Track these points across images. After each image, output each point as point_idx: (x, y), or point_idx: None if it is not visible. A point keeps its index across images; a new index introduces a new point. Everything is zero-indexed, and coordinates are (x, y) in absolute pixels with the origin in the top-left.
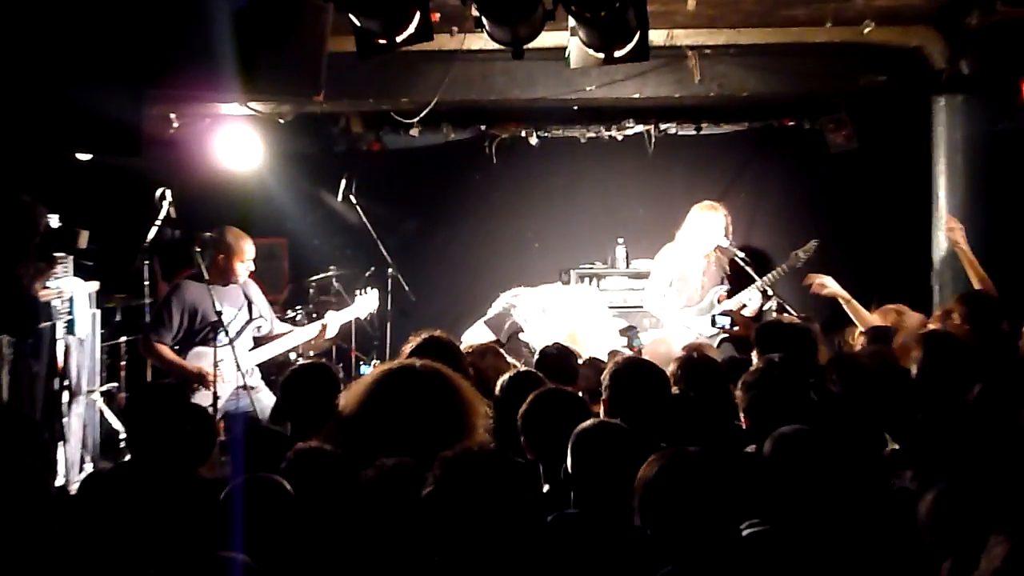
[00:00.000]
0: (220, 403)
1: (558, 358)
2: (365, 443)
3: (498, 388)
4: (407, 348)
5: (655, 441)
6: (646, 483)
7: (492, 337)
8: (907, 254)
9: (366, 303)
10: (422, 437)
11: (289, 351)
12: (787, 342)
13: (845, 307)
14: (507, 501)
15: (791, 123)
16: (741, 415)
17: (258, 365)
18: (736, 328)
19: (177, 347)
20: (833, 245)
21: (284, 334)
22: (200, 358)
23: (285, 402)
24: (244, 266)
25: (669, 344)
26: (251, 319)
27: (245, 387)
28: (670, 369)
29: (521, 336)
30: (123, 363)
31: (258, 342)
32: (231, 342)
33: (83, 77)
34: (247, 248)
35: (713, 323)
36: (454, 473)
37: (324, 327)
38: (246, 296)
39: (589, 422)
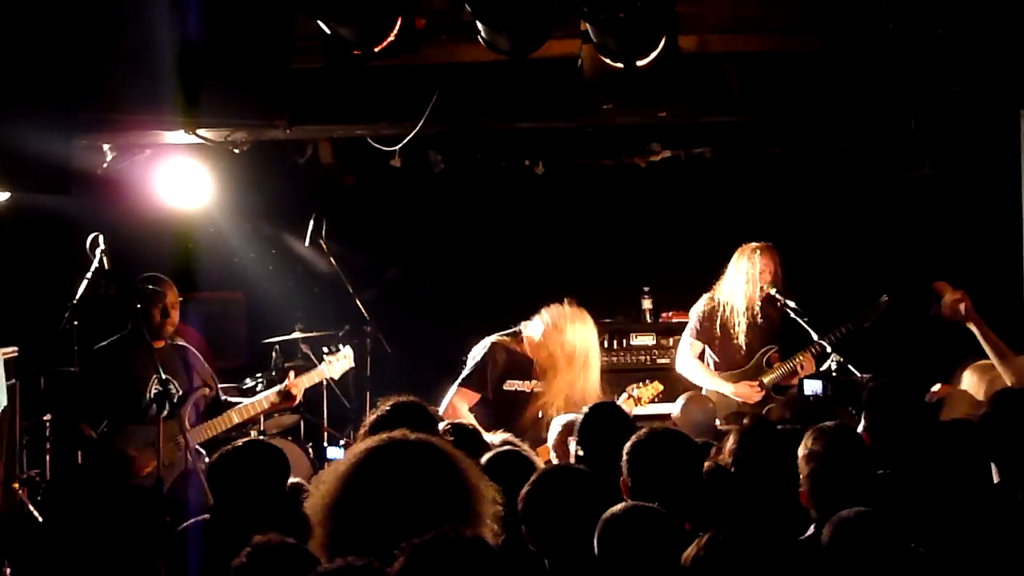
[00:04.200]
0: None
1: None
2: (344, 539)
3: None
4: (370, 418)
5: (696, 528)
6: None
7: (476, 398)
8: (998, 298)
9: (339, 363)
10: (418, 531)
11: (243, 426)
12: (901, 405)
13: (982, 341)
14: None
15: (850, 144)
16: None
17: (202, 444)
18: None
19: (105, 426)
20: (906, 290)
21: (233, 405)
22: (132, 437)
23: (217, 490)
24: (174, 320)
25: (705, 404)
26: (192, 388)
27: (189, 471)
28: (729, 446)
29: (508, 385)
30: (48, 445)
31: (202, 415)
32: (172, 416)
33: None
34: (172, 297)
35: (801, 389)
36: (422, 568)
37: (284, 393)
38: (183, 360)
39: (620, 507)
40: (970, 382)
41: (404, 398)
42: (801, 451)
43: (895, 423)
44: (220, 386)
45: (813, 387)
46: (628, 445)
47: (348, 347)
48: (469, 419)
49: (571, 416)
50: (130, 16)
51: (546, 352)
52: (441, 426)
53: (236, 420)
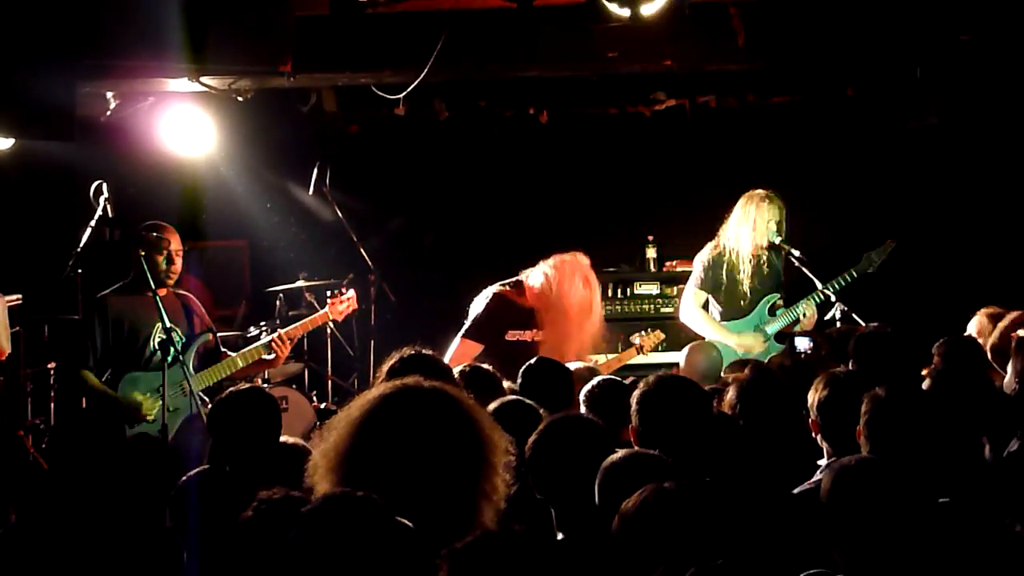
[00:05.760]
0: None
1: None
2: (356, 486)
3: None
4: (385, 367)
5: (700, 476)
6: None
7: (479, 349)
8: (1006, 248)
9: (341, 305)
10: (431, 481)
11: (246, 373)
12: (890, 354)
13: None
14: None
15: (855, 93)
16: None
17: (204, 390)
18: (820, 352)
19: (109, 374)
20: (912, 240)
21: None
22: (136, 384)
23: (216, 439)
24: (178, 268)
25: (709, 352)
26: (195, 334)
27: (193, 416)
28: (729, 398)
29: (510, 335)
30: (52, 393)
31: (203, 362)
32: (178, 362)
33: (3, 47)
34: (176, 244)
35: (793, 346)
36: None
37: (285, 338)
38: (184, 306)
39: (619, 454)
40: (980, 325)
41: (419, 349)
42: (811, 396)
43: (884, 372)
44: (223, 334)
45: (802, 345)
46: (637, 393)
47: (352, 291)
48: None
49: (578, 364)
50: None
51: (547, 301)
52: (456, 370)
53: (240, 366)
